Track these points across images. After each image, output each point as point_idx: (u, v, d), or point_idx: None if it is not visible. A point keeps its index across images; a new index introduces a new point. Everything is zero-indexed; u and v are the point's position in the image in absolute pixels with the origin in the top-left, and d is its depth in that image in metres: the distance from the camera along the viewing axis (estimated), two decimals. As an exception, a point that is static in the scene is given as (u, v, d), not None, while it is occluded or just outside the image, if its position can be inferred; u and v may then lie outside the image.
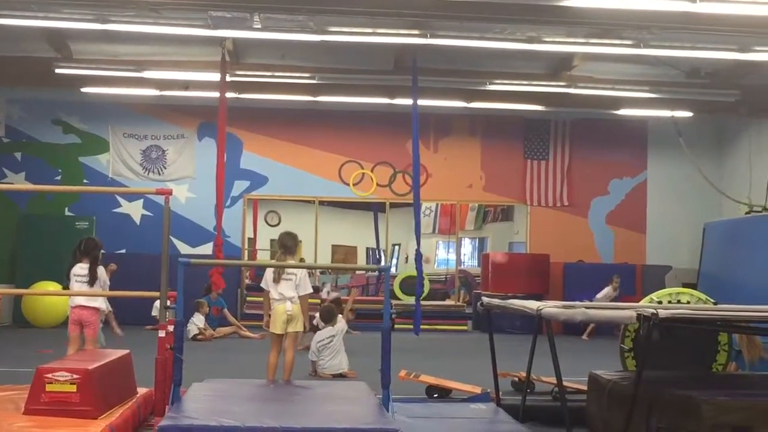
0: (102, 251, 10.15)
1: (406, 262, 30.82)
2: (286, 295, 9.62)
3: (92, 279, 9.81)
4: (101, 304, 10.03)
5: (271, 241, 28.85)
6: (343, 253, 30.40)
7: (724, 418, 6.01)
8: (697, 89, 18.70)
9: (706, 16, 12.90)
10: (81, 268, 9.88)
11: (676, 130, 20.81)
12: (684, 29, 13.81)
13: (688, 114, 20.09)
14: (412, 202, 17.81)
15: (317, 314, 13.35)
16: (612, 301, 18.04)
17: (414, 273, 21.17)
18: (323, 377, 11.59)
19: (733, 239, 18.99)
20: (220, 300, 18.08)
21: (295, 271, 9.95)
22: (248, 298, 20.55)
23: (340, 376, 11.57)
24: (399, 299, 20.77)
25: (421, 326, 17.23)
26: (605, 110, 20.24)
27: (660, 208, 21.88)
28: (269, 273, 9.78)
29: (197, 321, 16.82)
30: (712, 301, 8.99)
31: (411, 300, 20.69)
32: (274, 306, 9.59)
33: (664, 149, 21.69)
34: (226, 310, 18.14)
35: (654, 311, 6.14)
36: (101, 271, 9.94)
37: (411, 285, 20.63)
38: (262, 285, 9.96)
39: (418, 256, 16.78)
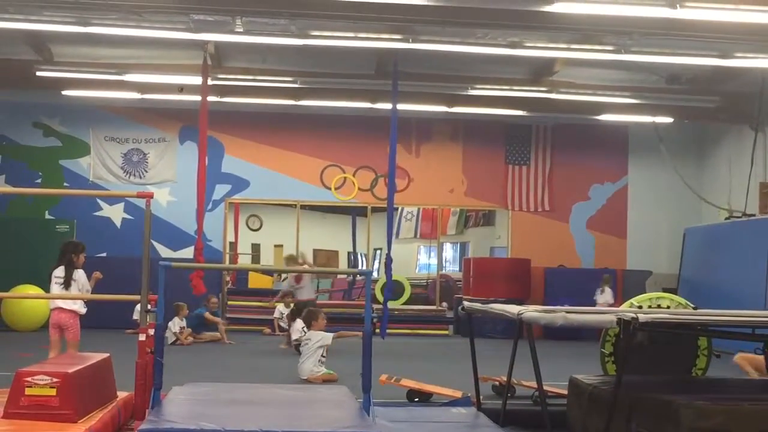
0: (84, 255, 10.12)
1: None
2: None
3: (67, 282, 9.79)
4: (80, 307, 10.00)
5: (253, 245, 28.91)
6: (324, 258, 30.36)
7: (702, 423, 6.03)
8: (677, 95, 18.79)
9: (687, 23, 13.00)
10: (60, 271, 9.88)
11: (656, 135, 20.91)
12: (665, 35, 13.89)
13: (669, 120, 20.18)
14: (395, 206, 17.82)
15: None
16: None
17: (396, 277, 21.21)
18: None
19: (712, 244, 19.12)
20: (217, 311, 18.09)
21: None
22: (229, 302, 20.49)
23: (307, 381, 11.52)
24: (380, 303, 20.72)
25: (403, 331, 17.25)
26: (586, 116, 20.31)
27: (640, 214, 21.97)
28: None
29: (174, 326, 16.61)
30: (692, 305, 9.02)
31: (392, 304, 20.71)
32: None
33: (645, 155, 21.78)
34: (219, 319, 18.08)
35: (634, 316, 6.16)
36: (80, 274, 9.91)
37: (392, 290, 20.65)
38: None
39: (388, 261, 16.81)
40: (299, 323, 14.82)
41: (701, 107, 19.30)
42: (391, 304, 20.39)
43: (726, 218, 19.38)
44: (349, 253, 30.56)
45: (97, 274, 10.23)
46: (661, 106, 19.35)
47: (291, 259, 17.56)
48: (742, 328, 7.65)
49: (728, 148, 20.56)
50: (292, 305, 16.87)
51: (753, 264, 16.90)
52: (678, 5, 12.19)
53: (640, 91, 18.77)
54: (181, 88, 18.17)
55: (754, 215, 18.36)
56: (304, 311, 13.67)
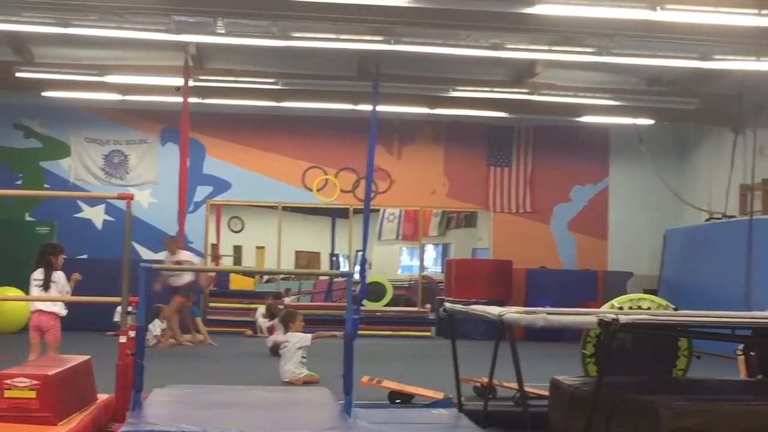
0: (63, 256, 10.09)
1: (370, 267, 30.82)
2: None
3: (46, 283, 9.76)
4: (61, 309, 9.96)
5: (234, 246, 28.86)
6: (306, 259, 30.35)
7: (682, 423, 6.05)
8: (658, 97, 18.89)
9: (667, 25, 13.07)
10: (39, 273, 9.85)
11: (637, 137, 20.99)
12: (645, 37, 13.97)
13: (650, 122, 20.27)
14: (376, 208, 17.85)
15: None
16: None
17: (378, 278, 21.24)
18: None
19: (693, 246, 19.21)
20: (194, 310, 18.00)
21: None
22: (211, 304, 20.42)
23: (289, 383, 11.50)
24: (362, 305, 20.73)
25: (385, 333, 17.23)
26: (568, 117, 20.37)
27: (622, 215, 22.03)
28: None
29: (155, 328, 16.50)
30: (673, 306, 9.05)
31: (374, 306, 20.73)
32: None
33: (626, 156, 21.86)
34: (198, 320, 18.01)
35: (615, 317, 6.18)
36: (59, 275, 9.88)
37: (374, 291, 20.67)
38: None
39: (363, 262, 16.84)
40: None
41: (682, 109, 19.40)
42: (373, 306, 20.48)
43: (706, 220, 19.47)
44: (331, 254, 30.56)
45: (76, 276, 10.19)
46: (641, 108, 19.44)
47: (171, 241, 16.86)
48: (722, 329, 7.68)
49: (708, 149, 20.65)
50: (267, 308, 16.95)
51: (733, 265, 16.98)
52: (658, 7, 12.27)
53: (621, 92, 18.85)
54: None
55: (734, 217, 18.46)
56: (281, 314, 13.69)
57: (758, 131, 17.79)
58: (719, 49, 14.96)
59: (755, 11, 12.34)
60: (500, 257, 21.48)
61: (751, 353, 9.17)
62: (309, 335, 12.10)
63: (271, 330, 15.90)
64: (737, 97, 18.10)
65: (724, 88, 18.22)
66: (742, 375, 9.70)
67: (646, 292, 16.30)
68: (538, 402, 8.57)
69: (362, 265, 17.06)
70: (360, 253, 18.02)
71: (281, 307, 17.48)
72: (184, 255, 16.29)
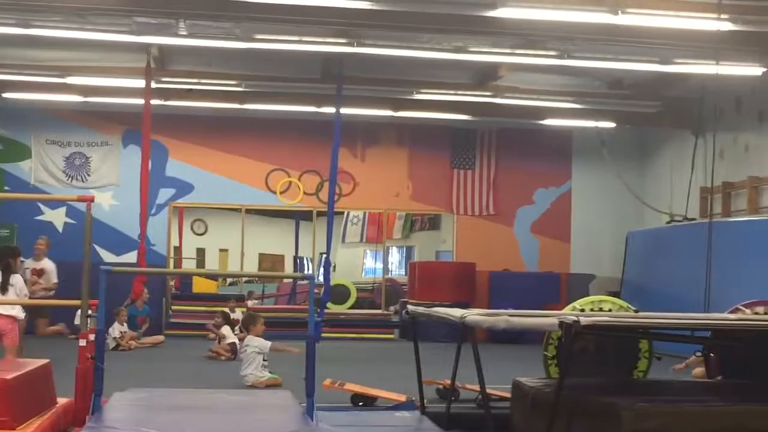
0: (21, 259, 10.02)
1: (334, 270, 30.76)
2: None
3: (4, 287, 9.68)
4: (19, 312, 9.87)
5: (197, 249, 28.72)
6: (270, 262, 30.26)
7: (644, 424, 6.09)
8: (619, 100, 19.03)
9: (628, 29, 13.17)
10: (-4, 276, 9.77)
11: (599, 140, 21.13)
12: (607, 41, 14.07)
13: (612, 125, 20.40)
14: (340, 210, 17.85)
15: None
16: None
17: (341, 281, 21.23)
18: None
19: (654, 248, 19.35)
20: (146, 309, 17.86)
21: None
22: (173, 307, 20.32)
23: (252, 387, 11.46)
24: (326, 308, 20.71)
25: (349, 335, 17.17)
26: (531, 120, 20.47)
27: (584, 218, 22.15)
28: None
29: (113, 331, 16.33)
30: (634, 308, 9.11)
31: (338, 308, 20.71)
32: None
33: (588, 159, 21.99)
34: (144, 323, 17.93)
35: (576, 319, 6.20)
36: (17, 278, 9.80)
37: (338, 293, 20.65)
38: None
39: (327, 264, 16.83)
40: (226, 329, 15.02)
41: (643, 112, 19.56)
42: (336, 308, 20.47)
43: (667, 222, 19.62)
44: (295, 257, 30.49)
45: (34, 279, 10.13)
46: (603, 111, 19.59)
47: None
48: (682, 330, 7.75)
49: (670, 152, 20.82)
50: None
51: (693, 267, 17.04)
52: (620, 11, 12.37)
53: (583, 96, 18.97)
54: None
55: (694, 219, 18.61)
56: (244, 316, 13.67)
57: (718, 134, 17.90)
58: (679, 52, 15.10)
59: (714, 16, 12.46)
60: (464, 260, 21.53)
61: (711, 354, 9.25)
62: (269, 343, 12.06)
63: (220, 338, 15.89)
64: (698, 101, 18.24)
65: (685, 91, 18.37)
66: (694, 373, 9.79)
67: (608, 294, 16.42)
68: (500, 404, 8.59)
69: (326, 268, 17.04)
70: (324, 256, 18.01)
71: (243, 310, 17.45)
72: (47, 263, 15.05)
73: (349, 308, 21.53)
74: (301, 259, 28.66)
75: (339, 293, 20.90)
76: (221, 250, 28.51)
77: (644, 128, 21.39)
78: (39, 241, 14.97)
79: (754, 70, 15.61)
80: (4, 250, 10.10)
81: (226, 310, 17.68)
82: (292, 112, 20.01)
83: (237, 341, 14.80)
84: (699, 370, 10.74)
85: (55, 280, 14.12)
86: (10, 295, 9.74)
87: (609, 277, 20.98)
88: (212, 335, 18.03)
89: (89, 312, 7.73)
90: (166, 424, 6.05)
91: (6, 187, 20.16)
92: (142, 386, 8.67)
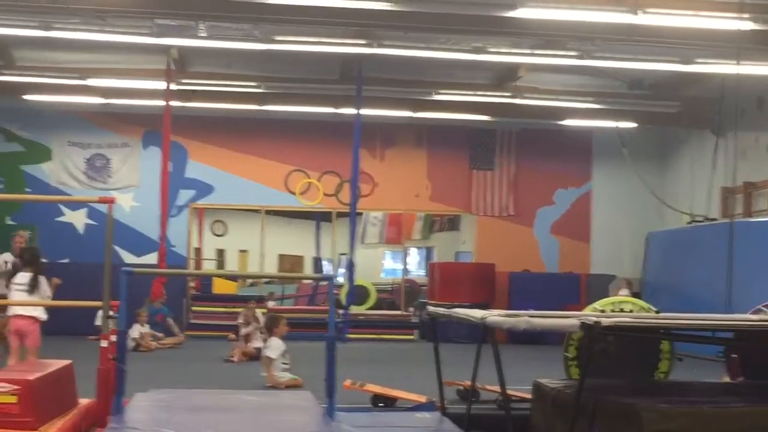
0: (43, 260, 10.07)
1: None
2: None
3: (32, 288, 9.71)
4: (41, 313, 9.92)
5: (217, 250, 28.79)
6: (289, 263, 30.26)
7: (664, 426, 6.07)
8: (639, 100, 18.98)
9: (648, 28, 13.12)
10: (23, 277, 9.80)
11: (619, 140, 21.04)
12: (626, 41, 14.00)
13: (632, 125, 20.33)
14: (360, 211, 17.85)
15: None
16: None
17: (361, 282, 21.19)
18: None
19: (675, 249, 19.26)
20: (163, 308, 17.91)
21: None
22: (193, 308, 20.37)
23: (272, 388, 11.49)
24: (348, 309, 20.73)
25: (368, 336, 17.19)
26: (550, 121, 20.43)
27: (604, 218, 22.09)
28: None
29: (133, 332, 16.38)
30: (654, 309, 9.07)
31: (357, 309, 20.70)
32: None
33: (609, 160, 21.91)
34: (170, 320, 17.97)
35: (596, 320, 6.18)
36: (42, 280, 9.84)
37: (358, 294, 20.63)
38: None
39: (350, 265, 16.79)
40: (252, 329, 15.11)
41: (663, 112, 19.49)
42: (356, 309, 20.46)
43: (688, 222, 19.53)
44: (315, 258, 30.50)
45: (56, 280, 10.15)
46: (623, 112, 19.52)
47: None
48: (704, 331, 7.71)
49: (690, 152, 20.73)
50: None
51: (714, 268, 17.02)
52: (639, 11, 12.33)
53: (603, 96, 18.93)
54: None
55: (715, 219, 18.53)
56: (265, 318, 13.69)
57: (739, 134, 17.86)
58: (700, 52, 15.04)
59: (735, 15, 12.41)
60: (483, 260, 21.50)
61: (733, 356, 9.20)
62: (282, 347, 12.12)
63: (248, 338, 15.87)
64: (718, 100, 18.18)
65: (706, 91, 18.30)
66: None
67: (631, 294, 16.37)
68: (520, 405, 8.58)
69: (350, 269, 16.99)
70: (347, 257, 17.98)
71: (264, 311, 17.46)
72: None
73: (369, 309, 21.52)
74: (320, 260, 28.69)
75: (359, 294, 20.88)
76: (241, 251, 28.54)
77: (664, 128, 21.30)
78: (16, 238, 14.75)
79: (776, 70, 15.53)
80: (37, 252, 10.13)
81: (257, 310, 17.56)
82: (310, 113, 20.03)
83: (262, 344, 14.79)
84: None
85: None
86: (34, 296, 9.78)
87: (629, 278, 20.89)
88: (232, 336, 18.07)
89: (110, 313, 7.77)
90: (188, 425, 6.07)
91: (27, 189, 20.25)
92: (162, 387, 8.70)
